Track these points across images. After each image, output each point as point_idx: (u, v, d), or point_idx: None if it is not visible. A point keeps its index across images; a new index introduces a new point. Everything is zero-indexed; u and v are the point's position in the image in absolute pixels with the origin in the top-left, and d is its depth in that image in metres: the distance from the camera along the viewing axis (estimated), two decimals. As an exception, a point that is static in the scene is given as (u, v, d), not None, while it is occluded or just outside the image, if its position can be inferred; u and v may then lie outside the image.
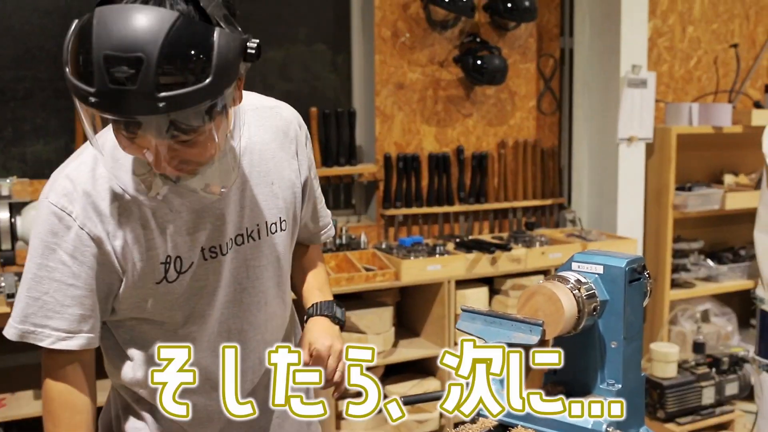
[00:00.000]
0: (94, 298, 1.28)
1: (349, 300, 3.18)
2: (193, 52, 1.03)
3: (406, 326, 3.47)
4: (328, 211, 1.64)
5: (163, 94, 1.00)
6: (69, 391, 1.31)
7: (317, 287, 1.58)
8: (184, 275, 1.31)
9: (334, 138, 3.49)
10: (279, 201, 1.41)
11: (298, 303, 1.61)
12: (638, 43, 3.80)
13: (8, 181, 2.64)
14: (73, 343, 1.28)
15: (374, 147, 3.65)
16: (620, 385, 1.24)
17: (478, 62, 3.64)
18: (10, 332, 1.28)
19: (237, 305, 1.39)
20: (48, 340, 1.27)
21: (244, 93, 1.40)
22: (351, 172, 3.51)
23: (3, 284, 2.50)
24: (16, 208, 2.63)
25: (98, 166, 1.25)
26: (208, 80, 1.03)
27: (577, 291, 1.20)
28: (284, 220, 1.42)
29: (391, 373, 3.33)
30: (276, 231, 1.41)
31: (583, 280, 1.23)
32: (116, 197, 1.25)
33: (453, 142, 3.83)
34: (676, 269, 4.01)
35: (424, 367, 3.37)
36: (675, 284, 4.00)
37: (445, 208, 3.76)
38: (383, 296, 3.25)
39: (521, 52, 3.94)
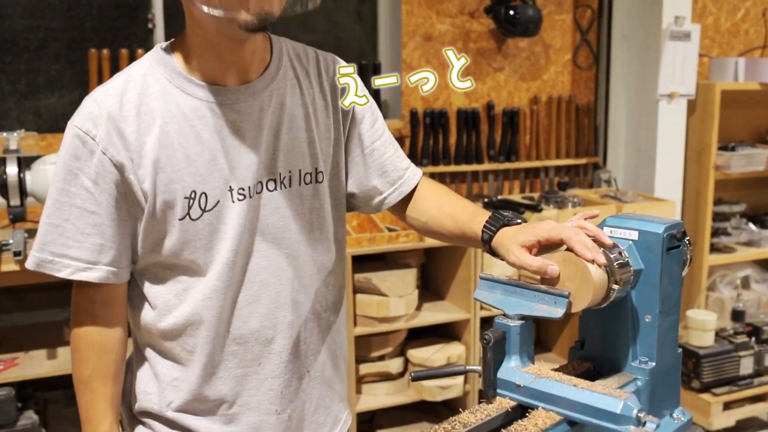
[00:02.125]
0: (116, 228, 1.22)
1: (371, 261, 3.08)
2: None
3: (430, 289, 3.37)
4: (406, 158, 1.46)
5: None
6: (97, 330, 1.26)
7: (464, 215, 1.35)
8: (209, 214, 1.22)
9: (358, 92, 3.35)
10: (316, 150, 1.32)
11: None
12: (682, -7, 3.59)
13: (16, 134, 2.56)
14: (94, 275, 1.22)
15: (400, 102, 3.51)
16: (654, 363, 1.14)
17: (511, 12, 3.46)
18: (29, 261, 1.23)
19: (262, 255, 1.28)
20: (66, 270, 1.21)
21: (285, 39, 1.37)
22: (376, 128, 3.38)
23: (11, 241, 2.43)
24: (25, 163, 2.55)
25: (127, 90, 1.20)
26: None
27: (608, 258, 1.08)
28: (321, 171, 1.32)
29: (414, 337, 3.24)
30: (311, 182, 1.31)
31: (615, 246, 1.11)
32: (144, 122, 1.19)
33: (483, 97, 3.67)
34: (715, 233, 3.86)
35: (448, 331, 3.27)
36: (714, 249, 3.85)
37: (474, 167, 3.62)
38: (407, 258, 3.14)
39: (556, 2, 3.75)
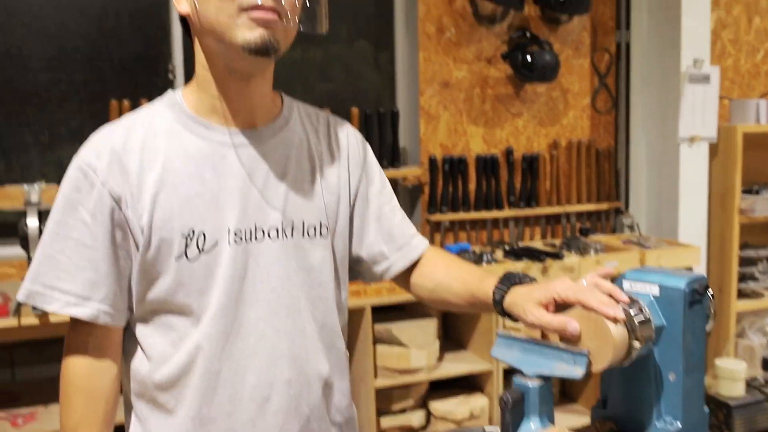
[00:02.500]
0: (111, 265, 1.19)
1: (391, 311, 3.05)
2: None
3: (451, 339, 3.33)
4: (413, 226, 1.46)
5: None
6: (88, 375, 1.21)
7: (473, 278, 1.32)
8: (206, 255, 1.19)
9: (376, 140, 3.36)
10: (321, 203, 1.30)
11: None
12: (700, 36, 3.57)
13: (37, 186, 2.58)
14: (84, 312, 1.18)
15: (419, 149, 3.51)
16: (679, 423, 1.10)
17: (528, 58, 3.47)
18: (20, 293, 1.19)
19: (260, 305, 1.23)
20: (56, 303, 1.17)
21: (297, 100, 1.39)
22: (394, 175, 3.37)
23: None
24: (45, 215, 2.56)
25: (134, 128, 1.21)
26: None
27: (628, 315, 1.04)
28: (325, 226, 1.30)
29: (436, 389, 3.18)
30: (314, 235, 1.28)
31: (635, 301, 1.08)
32: (147, 158, 1.19)
33: (502, 142, 3.66)
34: (743, 278, 3.78)
35: (470, 383, 3.21)
36: (742, 294, 3.77)
37: (494, 213, 3.59)
38: (427, 307, 3.10)
39: (574, 46, 3.75)
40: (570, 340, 1.07)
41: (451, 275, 1.37)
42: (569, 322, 1.07)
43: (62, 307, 1.18)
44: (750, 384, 3.29)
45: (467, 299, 1.33)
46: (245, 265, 1.22)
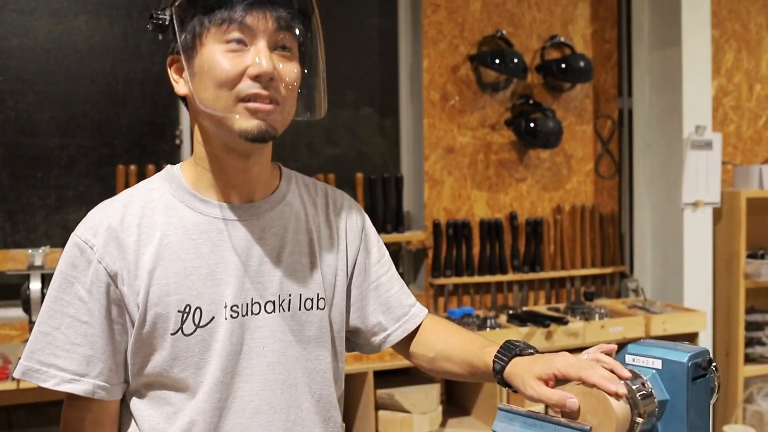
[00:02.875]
0: (107, 341, 1.19)
1: (394, 376, 3.01)
2: None
3: (455, 404, 3.29)
4: (411, 295, 1.45)
5: None
6: None
7: (473, 347, 1.31)
8: (202, 330, 1.19)
9: (381, 204, 3.38)
10: (319, 276, 1.30)
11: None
12: (702, 103, 3.62)
13: (41, 251, 2.59)
14: (80, 388, 1.17)
15: (423, 213, 3.53)
16: (686, 501, 1.06)
17: (532, 125, 3.51)
18: (17, 370, 1.19)
19: (255, 380, 1.23)
20: (52, 381, 1.16)
21: (296, 172, 1.40)
22: (399, 239, 3.38)
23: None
24: (48, 279, 2.57)
25: (132, 204, 1.22)
26: None
27: (631, 390, 1.03)
28: (322, 298, 1.29)
29: (439, 455, 3.13)
30: (311, 308, 1.28)
31: (638, 376, 1.07)
32: (144, 234, 1.20)
33: (506, 207, 3.68)
34: (749, 343, 3.75)
35: (475, 449, 3.16)
36: (749, 359, 3.73)
37: (498, 277, 3.59)
38: (430, 372, 3.07)
39: (577, 113, 3.80)
40: (570, 415, 1.06)
41: (450, 344, 1.36)
42: (568, 398, 1.06)
43: (58, 384, 1.17)
44: (760, 453, 3.23)
45: (467, 369, 1.32)
46: (241, 339, 1.22)
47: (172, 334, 1.18)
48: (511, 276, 3.62)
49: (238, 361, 1.22)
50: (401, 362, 2.87)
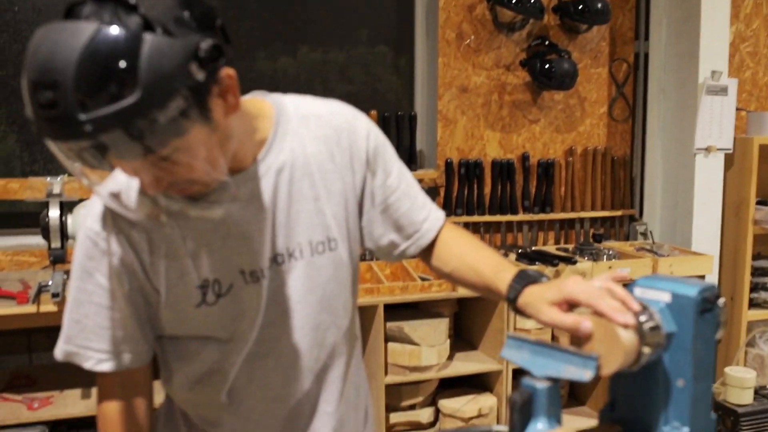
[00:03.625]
0: (134, 319, 1.26)
1: (404, 310, 3.08)
2: (112, 67, 0.93)
3: (462, 339, 3.36)
4: (426, 206, 1.43)
5: (84, 116, 0.93)
6: (119, 410, 1.30)
7: (488, 269, 1.33)
8: (224, 298, 1.25)
9: (394, 142, 3.39)
10: (326, 218, 1.30)
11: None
12: (719, 48, 3.58)
13: (59, 179, 2.63)
14: (114, 364, 1.27)
15: (435, 152, 3.54)
16: (687, 429, 1.11)
17: (547, 66, 3.49)
18: (58, 352, 1.28)
19: (279, 327, 1.30)
20: (90, 361, 1.26)
21: (296, 99, 1.33)
22: (411, 177, 3.40)
23: (50, 283, 2.48)
24: (67, 207, 2.61)
25: (130, 188, 1.20)
26: (135, 96, 0.93)
27: (639, 321, 1.07)
28: (333, 239, 1.31)
29: (445, 387, 3.21)
30: (323, 251, 1.30)
31: (646, 308, 1.10)
32: (145, 224, 1.22)
33: (518, 148, 3.69)
34: (755, 288, 3.78)
35: (480, 382, 3.24)
36: (753, 304, 3.77)
37: (509, 217, 3.62)
38: (439, 307, 3.13)
39: (592, 56, 3.77)
40: (581, 341, 1.10)
41: (465, 261, 1.37)
42: (582, 321, 1.09)
43: (96, 364, 1.26)
44: (758, 392, 3.30)
45: (482, 289, 1.35)
46: (263, 298, 1.27)
47: (197, 307, 1.24)
48: (521, 216, 3.65)
49: (264, 315, 1.28)
50: (411, 296, 2.93)
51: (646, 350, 1.06)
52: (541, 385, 1.06)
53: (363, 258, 3.12)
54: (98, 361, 1.26)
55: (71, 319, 1.26)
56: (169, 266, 1.22)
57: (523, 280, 1.24)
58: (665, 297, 1.12)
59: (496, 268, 1.32)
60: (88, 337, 1.25)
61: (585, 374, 1.04)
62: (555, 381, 1.07)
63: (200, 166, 1.06)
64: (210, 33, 1.03)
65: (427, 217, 1.42)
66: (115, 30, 0.94)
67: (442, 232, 1.43)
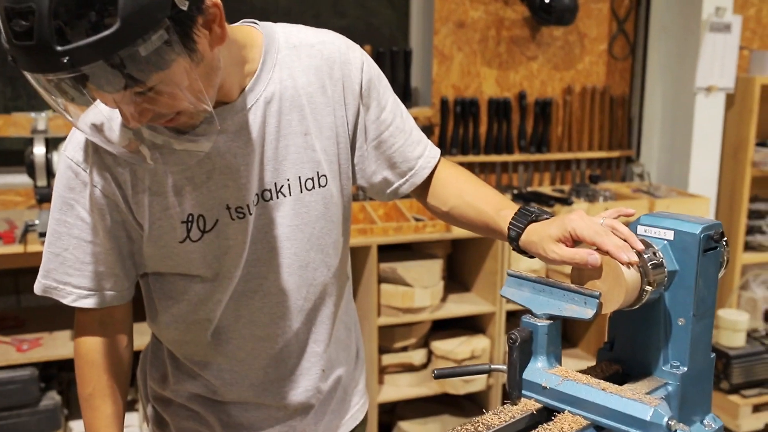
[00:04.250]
0: (116, 255, 1.22)
1: (397, 251, 3.05)
2: None
3: (456, 280, 3.34)
4: (421, 142, 1.37)
5: (62, 47, 0.88)
6: (98, 349, 1.27)
7: (488, 207, 1.28)
8: (209, 234, 1.21)
9: (388, 78, 3.29)
10: (315, 153, 1.25)
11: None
12: (724, -16, 3.49)
13: (44, 115, 2.56)
14: (95, 301, 1.24)
15: (431, 89, 3.47)
16: (686, 368, 1.10)
17: (546, 0, 3.39)
18: (36, 286, 1.25)
19: (266, 265, 1.26)
20: (70, 297, 1.23)
21: (287, 27, 1.26)
22: (405, 115, 3.34)
23: (37, 222, 2.43)
24: (52, 143, 2.55)
25: (113, 119, 1.14)
26: (115, 27, 0.89)
27: (642, 259, 1.03)
28: (323, 175, 1.26)
29: (438, 329, 3.21)
30: (313, 187, 1.26)
31: (650, 246, 1.06)
32: (128, 158, 1.17)
33: (515, 86, 3.61)
34: (750, 231, 3.78)
35: (473, 324, 3.23)
36: (748, 247, 3.77)
37: (504, 157, 3.57)
38: (433, 248, 3.10)
39: (594, -10, 3.67)
40: (582, 279, 1.07)
41: (464, 199, 1.33)
42: (589, 254, 1.06)
43: (75, 300, 1.23)
44: (751, 335, 3.31)
45: (481, 228, 1.32)
46: (249, 234, 1.23)
47: (181, 242, 1.21)
48: (517, 156, 3.59)
49: (250, 252, 1.24)
50: (405, 237, 2.90)
51: (649, 288, 1.04)
52: (542, 323, 1.04)
53: (356, 198, 3.07)
54: (78, 297, 1.22)
55: (50, 252, 1.21)
56: (153, 200, 1.18)
57: (525, 218, 1.20)
58: (668, 235, 1.09)
59: (496, 206, 1.28)
60: (68, 271, 1.21)
61: (587, 312, 1.02)
62: (555, 319, 1.04)
63: (184, 99, 1.02)
64: None
65: (422, 153, 1.36)
66: None
67: (438, 170, 1.38)
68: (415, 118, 3.37)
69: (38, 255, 2.39)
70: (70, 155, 1.18)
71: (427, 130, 3.49)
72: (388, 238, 2.86)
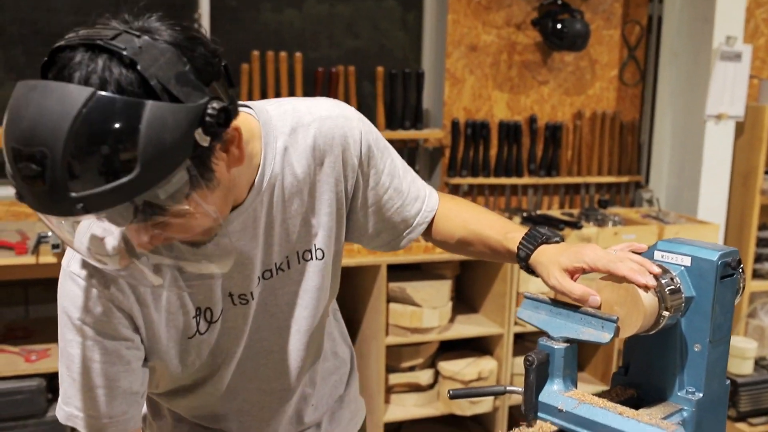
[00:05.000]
0: (133, 368, 1.18)
1: (406, 271, 3.05)
2: (108, 142, 0.83)
3: (464, 302, 3.34)
4: (419, 196, 1.36)
5: (77, 194, 0.83)
6: None
7: (495, 233, 1.28)
8: (215, 324, 1.21)
9: (400, 100, 3.34)
10: (315, 229, 1.25)
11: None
12: (734, 13, 3.52)
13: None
14: (120, 429, 1.19)
15: (442, 111, 3.49)
16: (701, 394, 1.09)
17: (558, 26, 3.42)
18: (59, 414, 1.19)
19: (268, 334, 1.28)
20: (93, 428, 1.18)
21: (280, 107, 1.21)
22: (416, 136, 3.36)
23: (50, 234, 2.45)
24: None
25: (110, 241, 1.08)
26: (134, 173, 0.84)
27: (659, 284, 1.04)
28: (320, 249, 1.26)
29: (446, 349, 3.20)
30: (310, 259, 1.26)
31: (667, 271, 1.07)
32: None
33: (526, 110, 3.63)
34: (758, 259, 3.77)
35: (480, 345, 3.23)
36: (757, 275, 3.76)
37: (514, 180, 3.58)
38: (442, 269, 3.11)
39: (605, 17, 3.70)
40: (603, 301, 1.07)
41: (469, 229, 1.33)
42: (591, 295, 1.06)
43: (101, 429, 1.18)
44: (758, 363, 3.30)
45: (488, 254, 1.32)
46: (248, 318, 1.24)
47: (190, 338, 1.20)
48: (526, 179, 3.61)
49: (252, 330, 1.25)
50: (414, 257, 2.90)
51: (666, 314, 1.04)
52: (559, 346, 1.04)
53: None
54: (102, 428, 1.18)
55: (68, 376, 1.15)
56: (165, 304, 1.15)
57: (535, 240, 1.20)
58: (685, 261, 1.09)
59: (503, 230, 1.28)
60: (84, 398, 1.15)
61: (604, 336, 1.02)
62: (572, 343, 1.05)
63: (199, 225, 0.99)
64: (215, 80, 0.94)
65: (420, 209, 1.35)
66: (112, 98, 0.84)
67: (440, 209, 1.38)
68: (426, 140, 3.42)
69: (50, 266, 2.45)
70: (75, 271, 1.10)
71: (438, 151, 3.51)
72: (397, 257, 2.87)
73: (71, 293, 1.11)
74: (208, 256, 1.07)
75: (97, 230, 1.03)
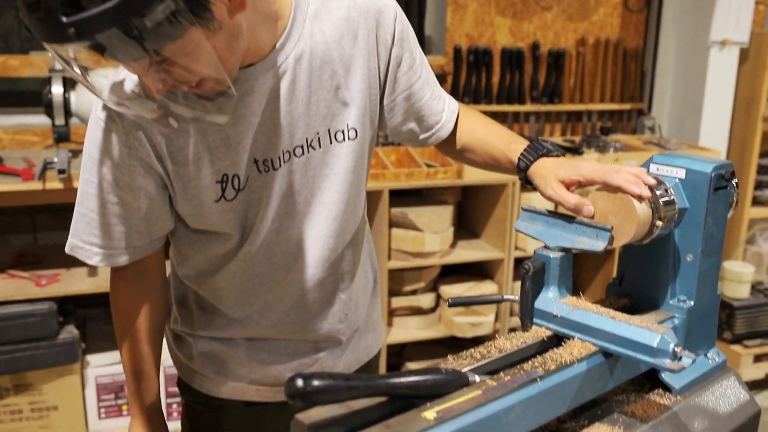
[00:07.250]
0: (141, 215, 1.22)
1: (408, 196, 3.08)
2: None
3: (465, 227, 3.37)
4: (442, 96, 1.39)
5: (67, 19, 0.88)
6: (131, 298, 1.30)
7: (500, 143, 1.32)
8: (243, 192, 1.22)
9: (402, 26, 3.30)
10: (346, 107, 1.25)
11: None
12: (743, -65, 3.45)
13: (62, 53, 2.57)
14: (122, 260, 1.25)
15: (444, 38, 3.46)
16: (692, 303, 1.13)
17: (563, -51, 3.36)
18: (67, 245, 1.26)
19: (295, 217, 1.27)
20: (96, 258, 1.24)
21: None
22: (418, 63, 3.34)
23: (56, 160, 2.47)
24: (70, 83, 2.56)
25: (136, 88, 1.14)
26: None
27: (654, 194, 1.07)
28: (352, 128, 1.26)
29: (447, 274, 3.26)
30: (343, 139, 1.25)
31: (662, 183, 1.10)
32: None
33: (529, 36, 3.60)
34: (759, 186, 3.79)
35: (481, 270, 3.28)
36: (756, 201, 3.79)
37: (516, 107, 3.58)
38: (444, 194, 3.13)
39: (611, -60, 3.63)
40: (597, 211, 1.10)
41: (474, 137, 1.37)
42: (585, 204, 1.09)
43: (101, 261, 1.24)
44: (755, 287, 3.36)
45: (490, 162, 1.35)
46: (273, 188, 1.23)
47: (216, 202, 1.21)
48: (528, 107, 3.60)
49: (281, 206, 1.25)
50: (416, 182, 2.93)
51: (659, 224, 1.07)
52: (554, 255, 1.07)
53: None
54: (103, 258, 1.23)
55: (78, 212, 1.22)
56: (187, 162, 1.18)
57: (536, 152, 1.23)
58: (680, 173, 1.12)
59: (508, 140, 1.31)
60: (93, 232, 1.21)
61: (598, 245, 1.05)
62: (568, 252, 1.08)
63: (204, 69, 1.02)
64: None
65: (444, 107, 1.38)
66: None
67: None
68: (429, 66, 3.39)
69: (56, 192, 2.47)
70: (101, 116, 1.16)
71: (440, 78, 3.48)
72: (399, 183, 2.89)
73: (93, 135, 1.18)
74: (219, 104, 1.11)
75: (118, 77, 1.12)
